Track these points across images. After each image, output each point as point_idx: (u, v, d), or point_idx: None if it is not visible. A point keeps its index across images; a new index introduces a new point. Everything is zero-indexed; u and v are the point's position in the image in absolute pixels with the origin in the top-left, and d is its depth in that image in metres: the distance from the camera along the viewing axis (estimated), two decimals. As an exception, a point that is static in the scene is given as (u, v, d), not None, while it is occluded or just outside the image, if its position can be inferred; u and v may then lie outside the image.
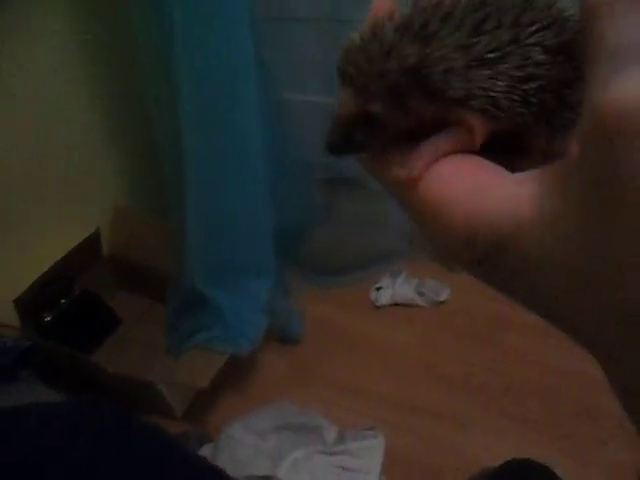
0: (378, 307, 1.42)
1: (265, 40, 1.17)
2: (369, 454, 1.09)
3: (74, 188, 1.28)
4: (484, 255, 0.19)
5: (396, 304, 1.41)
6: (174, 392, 1.16)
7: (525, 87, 0.22)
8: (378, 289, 1.43)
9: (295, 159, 1.39)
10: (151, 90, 1.17)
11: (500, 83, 0.22)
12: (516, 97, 0.22)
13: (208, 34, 1.01)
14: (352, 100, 0.24)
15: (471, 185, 0.20)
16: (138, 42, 1.11)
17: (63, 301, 1.24)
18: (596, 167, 0.15)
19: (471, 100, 0.22)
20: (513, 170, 0.20)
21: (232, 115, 1.09)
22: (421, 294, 1.41)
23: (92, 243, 1.33)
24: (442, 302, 1.40)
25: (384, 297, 1.41)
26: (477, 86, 0.22)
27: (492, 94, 0.22)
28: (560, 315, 0.18)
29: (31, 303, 1.18)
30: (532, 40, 0.22)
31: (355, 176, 1.48)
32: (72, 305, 1.25)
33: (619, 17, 0.15)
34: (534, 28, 0.22)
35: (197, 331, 1.23)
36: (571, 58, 0.22)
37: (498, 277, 0.20)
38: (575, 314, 0.17)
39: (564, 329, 0.19)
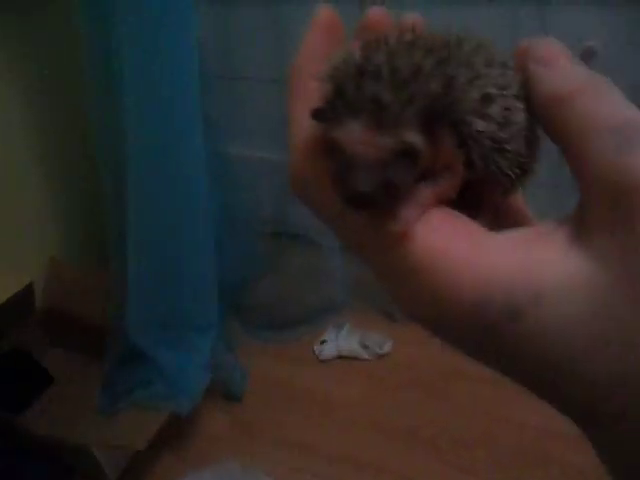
0: (322, 361, 1.41)
1: (213, 96, 1.20)
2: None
3: (6, 239, 1.24)
4: (491, 320, 0.18)
5: (340, 357, 1.42)
6: (109, 455, 1.09)
7: (503, 135, 0.20)
8: (322, 342, 1.43)
9: (240, 212, 1.40)
10: (96, 141, 1.16)
11: (491, 126, 0.20)
12: (496, 144, 0.20)
13: (157, 86, 1.03)
14: (377, 133, 0.18)
15: (470, 243, 0.19)
16: (85, 94, 1.12)
17: (-9, 358, 1.17)
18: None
19: (478, 140, 0.20)
20: None
21: (178, 167, 1.10)
22: (365, 347, 1.41)
23: (25, 296, 1.26)
24: (385, 354, 1.41)
25: (328, 351, 1.41)
26: (483, 126, 0.19)
27: (482, 139, 0.20)
28: (559, 382, 0.18)
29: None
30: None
31: (299, 230, 1.51)
32: (1, 362, 1.18)
33: (603, 97, 0.18)
34: (499, 71, 0.21)
35: (135, 388, 1.19)
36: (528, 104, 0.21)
37: (493, 344, 0.18)
38: (581, 381, 0.17)
39: (553, 396, 0.19)
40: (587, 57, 1.16)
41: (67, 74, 1.25)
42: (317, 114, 0.20)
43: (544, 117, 0.20)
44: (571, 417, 0.18)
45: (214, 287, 1.21)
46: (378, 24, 0.22)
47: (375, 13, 0.23)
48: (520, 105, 0.21)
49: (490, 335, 0.18)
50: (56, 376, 1.28)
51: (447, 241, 0.19)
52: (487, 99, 0.20)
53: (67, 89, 1.27)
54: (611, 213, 0.17)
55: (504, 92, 0.20)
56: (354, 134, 0.18)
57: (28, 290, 1.27)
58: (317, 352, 1.42)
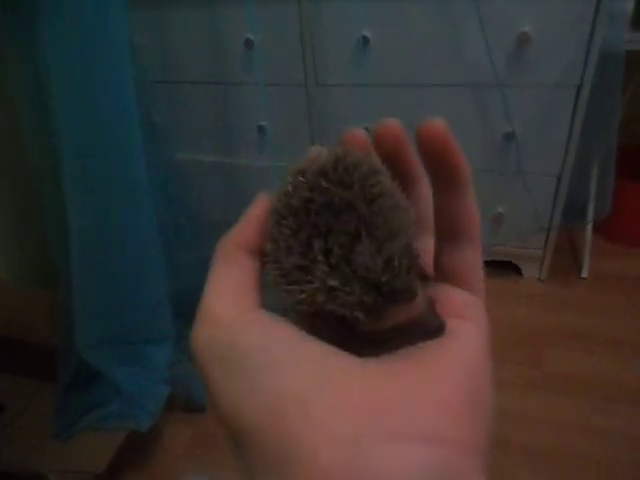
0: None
1: (156, 102, 1.16)
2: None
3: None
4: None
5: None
6: (67, 481, 1.05)
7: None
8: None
9: (191, 218, 1.37)
10: (33, 157, 1.11)
11: None
12: None
13: (89, 94, 0.98)
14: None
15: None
16: (18, 106, 1.06)
17: None
18: None
19: None
20: None
21: (119, 178, 1.06)
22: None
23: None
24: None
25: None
26: None
27: None
28: None
29: None
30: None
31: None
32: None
33: None
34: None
35: (91, 409, 1.14)
36: None
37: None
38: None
39: None
40: (522, 43, 1.18)
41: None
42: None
43: None
44: None
45: (166, 296, 1.17)
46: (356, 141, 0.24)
47: (353, 134, 0.24)
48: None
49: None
50: (7, 403, 1.21)
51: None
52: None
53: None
54: None
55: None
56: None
57: (-32, 316, 1.21)
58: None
